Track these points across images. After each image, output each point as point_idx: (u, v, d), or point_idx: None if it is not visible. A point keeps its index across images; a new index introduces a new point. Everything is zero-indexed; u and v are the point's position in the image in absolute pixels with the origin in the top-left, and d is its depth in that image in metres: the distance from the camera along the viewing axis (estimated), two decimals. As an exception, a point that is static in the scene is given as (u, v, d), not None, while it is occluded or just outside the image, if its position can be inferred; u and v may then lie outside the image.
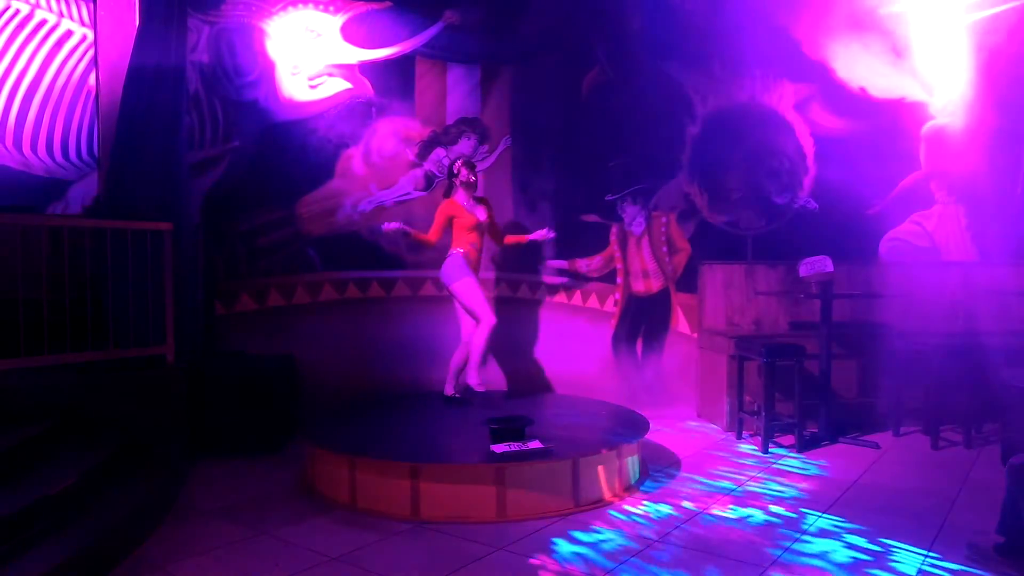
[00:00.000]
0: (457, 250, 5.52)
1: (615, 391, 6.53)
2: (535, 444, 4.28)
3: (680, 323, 6.57)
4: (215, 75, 6.32)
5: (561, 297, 7.00)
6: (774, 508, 4.17)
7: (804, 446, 5.38)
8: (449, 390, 5.61)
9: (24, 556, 3.09)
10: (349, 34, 6.71)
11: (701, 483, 4.62)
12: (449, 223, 5.56)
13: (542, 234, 5.77)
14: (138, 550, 3.61)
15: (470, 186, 5.62)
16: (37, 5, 5.84)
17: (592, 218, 6.79)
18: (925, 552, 3.53)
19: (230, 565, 3.47)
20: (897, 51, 6.41)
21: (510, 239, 5.98)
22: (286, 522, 3.99)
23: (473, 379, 5.46)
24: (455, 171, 5.63)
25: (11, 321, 4.39)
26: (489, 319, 5.40)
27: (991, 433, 5.59)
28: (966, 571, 3.32)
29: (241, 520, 4.03)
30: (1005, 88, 6.20)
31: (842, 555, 3.52)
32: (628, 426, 4.85)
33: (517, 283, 7.13)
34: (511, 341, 6.72)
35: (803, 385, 5.38)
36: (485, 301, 5.51)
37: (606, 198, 6.44)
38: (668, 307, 6.52)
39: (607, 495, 4.30)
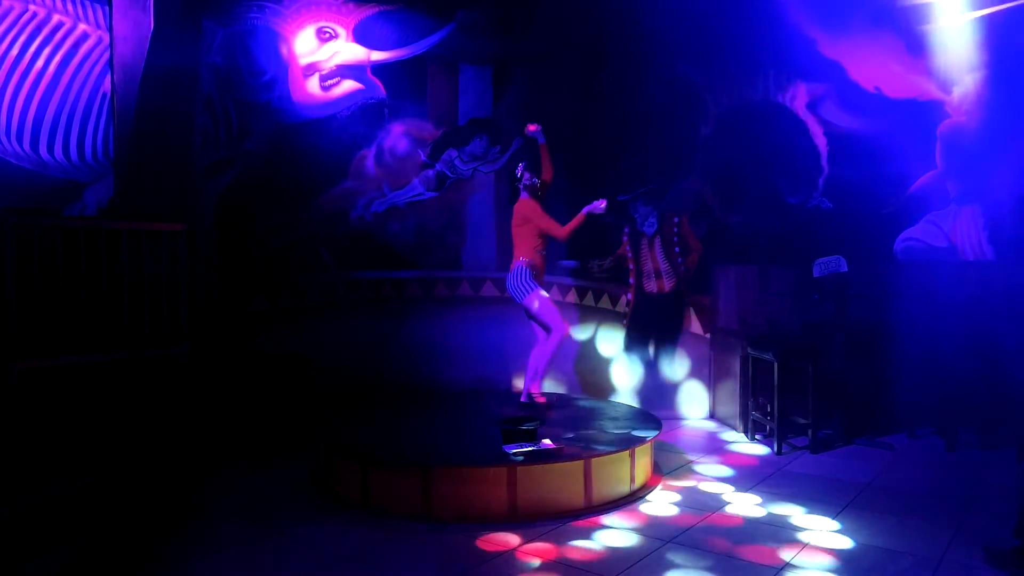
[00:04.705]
0: (523, 260, 5.35)
1: (628, 391, 6.53)
2: (547, 444, 4.28)
3: (693, 323, 6.54)
4: (229, 77, 6.36)
5: (573, 297, 6.99)
6: (787, 510, 4.14)
7: (818, 447, 5.34)
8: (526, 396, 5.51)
9: (43, 553, 3.13)
10: (361, 36, 6.74)
11: (713, 484, 4.60)
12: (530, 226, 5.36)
13: (598, 206, 5.30)
14: (153, 548, 3.63)
15: (535, 190, 5.46)
16: (54, 8, 5.90)
17: (605, 219, 6.77)
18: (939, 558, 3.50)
19: (244, 563, 3.49)
20: (913, 49, 6.34)
21: (572, 227, 5.37)
22: (299, 521, 4.01)
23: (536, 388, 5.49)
24: (519, 176, 5.49)
25: (29, 323, 4.44)
26: (562, 328, 5.37)
27: (1007, 435, 5.52)
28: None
29: (255, 519, 4.05)
30: (1022, 85, 6.13)
31: (853, 558, 3.50)
32: (640, 426, 4.84)
33: (529, 283, 7.12)
34: (523, 342, 6.71)
35: (817, 386, 5.34)
36: (557, 310, 5.45)
37: (618, 198, 6.42)
38: (681, 307, 6.49)
39: (619, 495, 4.29)
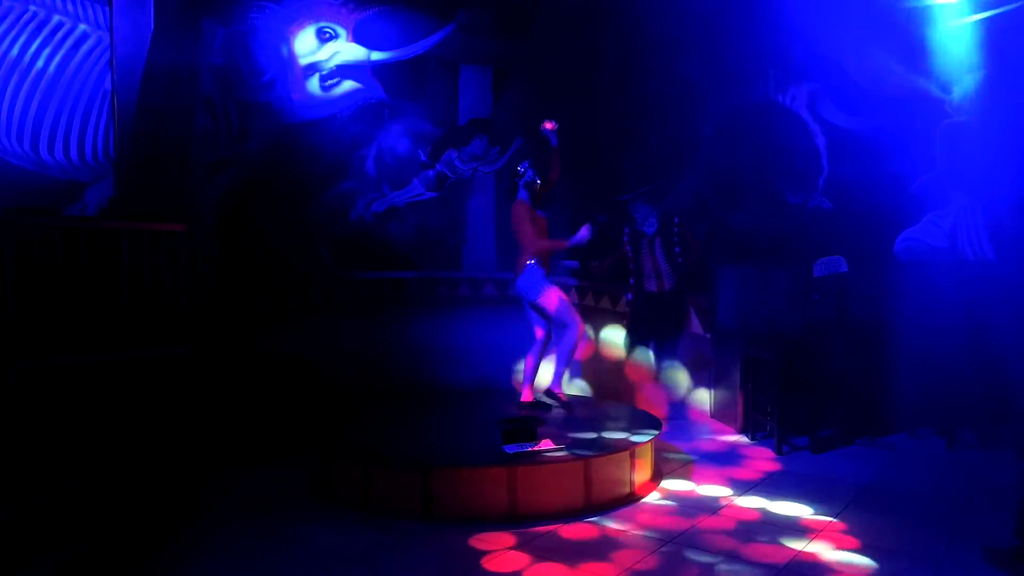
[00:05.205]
0: (534, 260, 5.26)
1: (628, 392, 6.52)
2: (546, 444, 4.28)
3: (693, 324, 6.53)
4: (229, 77, 6.36)
5: (573, 297, 6.99)
6: (787, 510, 4.14)
7: (819, 447, 5.34)
8: (528, 396, 5.44)
9: (43, 553, 3.13)
10: (361, 36, 6.74)
11: (714, 485, 4.60)
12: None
13: (582, 238, 5.23)
14: (153, 548, 3.63)
15: (533, 189, 5.40)
16: (54, 8, 5.90)
17: (604, 219, 6.77)
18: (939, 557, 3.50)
19: (244, 563, 3.49)
20: (913, 49, 6.34)
21: (545, 246, 5.35)
22: (301, 522, 4.01)
23: (557, 385, 5.37)
24: (521, 172, 5.44)
25: (29, 323, 4.44)
26: (579, 324, 5.28)
27: (1007, 435, 5.52)
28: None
29: (256, 519, 4.05)
30: (1023, 85, 6.13)
31: (854, 559, 3.50)
32: (640, 426, 4.84)
33: (529, 283, 7.11)
34: (523, 342, 6.71)
35: (817, 386, 5.34)
36: (572, 307, 5.38)
37: (618, 198, 6.42)
38: (681, 308, 6.48)
39: (619, 496, 4.29)
